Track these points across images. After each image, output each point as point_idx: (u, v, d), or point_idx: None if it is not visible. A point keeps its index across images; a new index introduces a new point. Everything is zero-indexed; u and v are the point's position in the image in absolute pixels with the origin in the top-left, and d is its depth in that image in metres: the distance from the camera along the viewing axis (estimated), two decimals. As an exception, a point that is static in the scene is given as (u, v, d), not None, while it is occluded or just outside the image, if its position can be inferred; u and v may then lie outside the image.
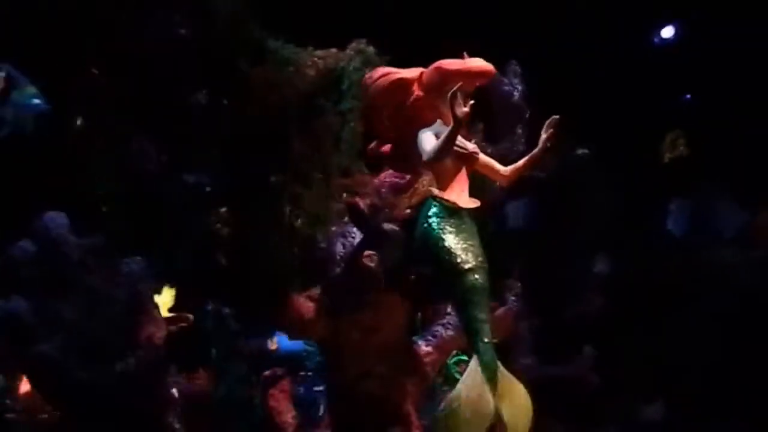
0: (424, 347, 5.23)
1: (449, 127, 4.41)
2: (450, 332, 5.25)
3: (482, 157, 4.76)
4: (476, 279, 4.42)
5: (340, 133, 4.65)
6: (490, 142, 6.19)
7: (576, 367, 5.84)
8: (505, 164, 6.07)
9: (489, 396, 4.29)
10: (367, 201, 4.87)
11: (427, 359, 5.19)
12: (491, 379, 4.31)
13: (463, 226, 4.51)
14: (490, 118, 6.41)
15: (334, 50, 4.83)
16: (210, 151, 4.60)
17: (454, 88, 4.35)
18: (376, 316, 4.97)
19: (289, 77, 4.50)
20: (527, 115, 6.26)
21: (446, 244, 4.45)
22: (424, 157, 4.53)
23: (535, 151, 4.74)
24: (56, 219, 4.95)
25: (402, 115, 4.72)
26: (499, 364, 4.39)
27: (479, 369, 4.32)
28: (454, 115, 4.35)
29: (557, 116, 4.71)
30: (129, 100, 4.49)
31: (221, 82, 4.43)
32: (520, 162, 4.81)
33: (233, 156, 4.59)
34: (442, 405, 4.36)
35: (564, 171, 6.13)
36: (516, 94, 6.27)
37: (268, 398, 5.20)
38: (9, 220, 5.25)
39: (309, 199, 4.88)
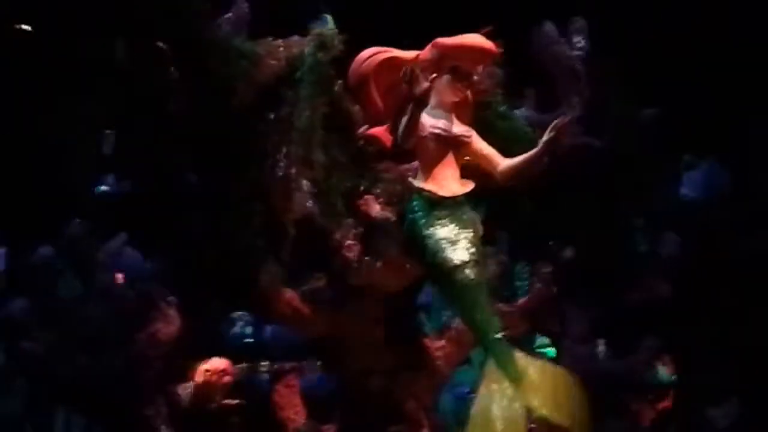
0: (437, 341, 4.84)
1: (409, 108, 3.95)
2: (469, 323, 4.86)
3: (477, 144, 4.19)
4: (467, 275, 3.95)
5: (296, 122, 4.34)
6: (545, 110, 5.67)
7: (635, 360, 5.19)
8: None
9: (515, 398, 3.85)
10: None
11: (439, 353, 4.78)
12: (514, 377, 3.87)
13: (453, 216, 4.05)
14: (546, 83, 5.89)
15: (295, 38, 4.52)
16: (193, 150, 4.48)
17: (410, 69, 3.89)
18: (375, 307, 4.63)
19: (249, 71, 4.27)
20: (587, 77, 5.70)
21: (432, 239, 4.01)
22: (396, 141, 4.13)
23: (536, 150, 4.10)
24: (79, 225, 4.96)
25: (397, 97, 4.23)
26: (517, 354, 3.92)
27: (497, 371, 3.88)
28: (412, 94, 3.90)
29: (567, 118, 4.14)
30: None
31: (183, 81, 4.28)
32: (518, 159, 4.16)
33: (215, 154, 4.44)
34: (470, 423, 3.91)
35: (624, 137, 5.43)
36: (574, 54, 5.67)
37: (274, 393, 5.02)
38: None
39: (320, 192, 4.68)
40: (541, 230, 5.50)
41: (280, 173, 4.27)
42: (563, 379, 4.00)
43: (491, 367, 3.92)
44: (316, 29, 4.44)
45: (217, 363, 4.99)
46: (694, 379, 5.21)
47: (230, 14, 4.96)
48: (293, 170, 4.30)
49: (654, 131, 5.61)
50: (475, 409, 3.93)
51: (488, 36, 4.91)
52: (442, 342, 4.81)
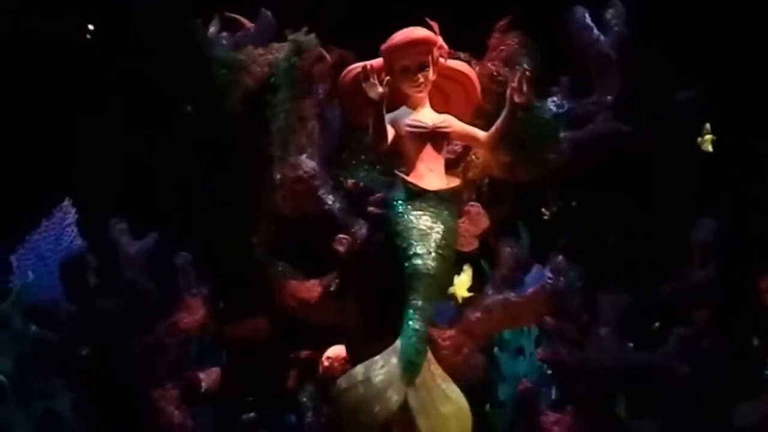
0: (446, 330, 4.76)
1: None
2: (478, 313, 4.76)
3: (458, 128, 4.44)
4: (422, 265, 4.15)
5: (272, 124, 4.49)
6: (577, 97, 5.53)
7: (663, 354, 4.94)
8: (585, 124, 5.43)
9: (398, 387, 4.06)
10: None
11: (447, 342, 4.69)
12: (410, 370, 4.06)
13: (431, 210, 4.25)
14: (580, 69, 5.73)
15: (274, 44, 4.66)
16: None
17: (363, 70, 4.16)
18: (381, 297, 4.60)
19: (232, 80, 4.45)
20: (621, 63, 5.49)
21: (402, 228, 4.22)
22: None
23: (505, 111, 4.39)
24: (113, 224, 5.10)
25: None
26: (429, 359, 4.15)
27: (398, 355, 4.09)
28: (368, 98, 4.13)
29: (526, 68, 4.39)
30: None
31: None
32: (495, 125, 4.43)
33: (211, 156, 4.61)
34: (344, 378, 4.19)
35: (657, 120, 5.20)
36: (604, 39, 5.49)
37: (287, 380, 5.15)
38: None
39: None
40: (569, 220, 5.43)
41: (264, 174, 4.47)
42: (459, 413, 4.15)
43: (393, 349, 4.13)
44: (293, 35, 4.60)
45: (339, 351, 5.19)
46: (724, 375, 4.94)
47: (252, 26, 5.08)
48: (277, 173, 4.50)
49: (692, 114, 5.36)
50: (361, 369, 4.16)
51: (507, 26, 4.97)
52: (451, 332, 4.76)
